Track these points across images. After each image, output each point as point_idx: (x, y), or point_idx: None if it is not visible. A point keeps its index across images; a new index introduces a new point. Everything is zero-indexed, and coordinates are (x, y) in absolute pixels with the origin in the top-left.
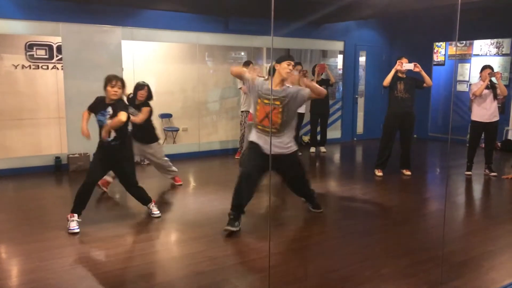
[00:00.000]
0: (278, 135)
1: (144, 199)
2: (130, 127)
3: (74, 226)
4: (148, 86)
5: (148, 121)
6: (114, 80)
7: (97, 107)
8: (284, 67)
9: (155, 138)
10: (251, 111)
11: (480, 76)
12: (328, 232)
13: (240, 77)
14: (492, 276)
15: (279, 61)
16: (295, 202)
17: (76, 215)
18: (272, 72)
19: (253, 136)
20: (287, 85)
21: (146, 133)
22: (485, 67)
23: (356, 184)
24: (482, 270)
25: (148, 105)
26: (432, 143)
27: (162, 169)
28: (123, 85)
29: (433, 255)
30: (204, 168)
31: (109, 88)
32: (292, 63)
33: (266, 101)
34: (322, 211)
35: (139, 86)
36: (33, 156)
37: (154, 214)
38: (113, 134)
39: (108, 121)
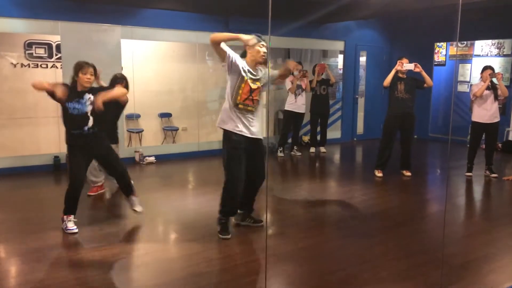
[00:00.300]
0: (254, 116)
1: (129, 186)
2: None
3: (72, 226)
4: (126, 79)
5: (113, 120)
6: (86, 66)
7: (68, 95)
8: (258, 51)
9: (115, 140)
10: (228, 90)
11: (481, 77)
12: (327, 233)
13: (220, 50)
14: (493, 279)
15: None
16: (293, 202)
17: (72, 215)
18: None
19: (231, 120)
20: (259, 67)
21: (107, 132)
22: (486, 68)
23: (355, 185)
24: (483, 272)
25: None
26: (433, 144)
27: (90, 172)
28: (95, 72)
29: (433, 258)
30: (203, 168)
31: (81, 75)
32: (264, 44)
33: (251, 81)
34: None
35: (118, 79)
36: (32, 155)
37: (136, 210)
38: (90, 122)
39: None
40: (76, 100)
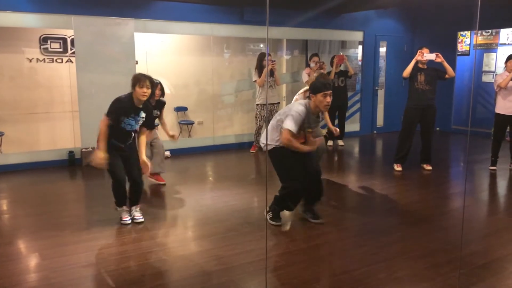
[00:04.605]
0: None
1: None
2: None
3: (126, 217)
4: (161, 83)
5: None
6: (142, 79)
7: (125, 111)
8: (321, 100)
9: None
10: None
11: (505, 67)
12: (341, 230)
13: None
14: None
15: (314, 91)
16: None
17: (123, 206)
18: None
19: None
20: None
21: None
22: (510, 57)
23: (374, 179)
24: (505, 273)
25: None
26: (455, 136)
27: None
28: (152, 84)
29: (453, 257)
30: (218, 162)
31: (137, 88)
32: (329, 92)
33: (309, 129)
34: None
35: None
36: (47, 151)
37: (137, 219)
38: (132, 138)
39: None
40: (132, 117)
